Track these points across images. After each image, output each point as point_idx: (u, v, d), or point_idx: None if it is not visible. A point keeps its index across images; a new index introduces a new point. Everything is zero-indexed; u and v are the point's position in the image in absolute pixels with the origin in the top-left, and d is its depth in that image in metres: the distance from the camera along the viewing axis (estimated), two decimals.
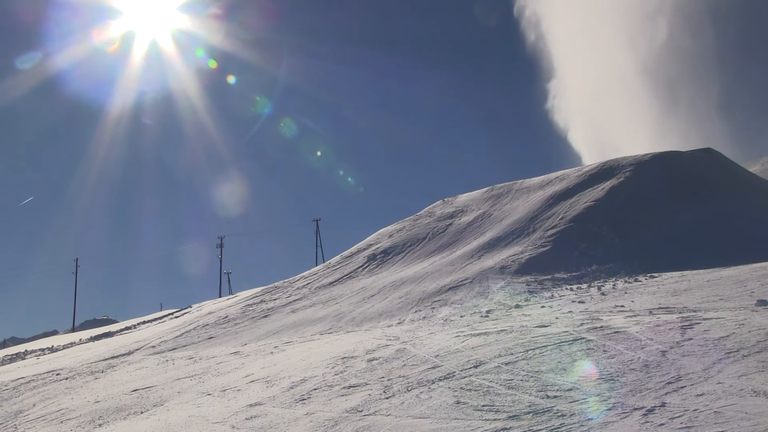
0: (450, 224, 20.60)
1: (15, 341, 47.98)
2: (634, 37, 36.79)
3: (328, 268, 21.19)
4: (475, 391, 4.95)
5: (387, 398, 5.18)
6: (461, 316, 10.05)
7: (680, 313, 7.13)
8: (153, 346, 15.35)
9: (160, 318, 26.51)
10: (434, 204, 24.00)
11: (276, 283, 21.62)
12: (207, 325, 17.09)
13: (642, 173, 18.54)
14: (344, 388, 5.82)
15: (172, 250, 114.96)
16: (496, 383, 5.06)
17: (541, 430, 3.94)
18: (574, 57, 39.26)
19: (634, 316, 7.26)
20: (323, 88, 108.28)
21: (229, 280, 67.75)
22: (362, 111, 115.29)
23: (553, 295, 11.04)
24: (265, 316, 16.28)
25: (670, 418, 3.82)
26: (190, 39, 62.97)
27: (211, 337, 15.07)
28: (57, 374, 11.64)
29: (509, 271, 13.89)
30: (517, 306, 10.28)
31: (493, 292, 12.20)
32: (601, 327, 6.54)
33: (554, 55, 39.98)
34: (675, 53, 36.18)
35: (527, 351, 5.94)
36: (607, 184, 18.14)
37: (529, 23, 42.20)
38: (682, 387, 4.39)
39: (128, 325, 26.42)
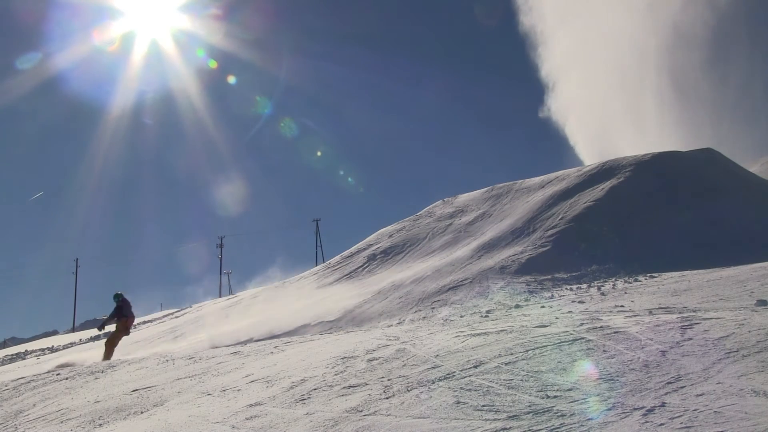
0: (450, 224, 20.60)
1: (15, 341, 47.98)
2: (636, 35, 36.71)
3: (328, 268, 21.18)
4: (475, 391, 4.95)
5: (387, 398, 5.18)
6: (461, 316, 10.05)
7: (680, 313, 7.13)
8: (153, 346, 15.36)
9: (160, 318, 26.51)
10: (434, 204, 24.01)
11: (276, 283, 21.63)
12: None
13: (642, 173, 18.55)
14: (344, 388, 5.82)
15: (172, 250, 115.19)
16: (496, 383, 5.07)
17: (541, 430, 3.94)
18: (572, 56, 39.20)
19: (634, 316, 7.26)
20: (323, 88, 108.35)
21: (229, 280, 67.78)
22: (362, 111, 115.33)
23: (553, 295, 11.04)
24: None
25: (670, 418, 3.83)
26: (191, 39, 63.04)
27: None
28: (57, 374, 11.64)
29: (509, 271, 13.90)
30: (517, 306, 10.28)
31: (493, 292, 12.20)
32: (601, 327, 6.54)
33: (552, 53, 39.99)
34: (680, 48, 36.04)
35: (527, 351, 5.94)
36: (607, 184, 18.15)
37: (528, 21, 42.18)
38: (682, 387, 4.39)
39: None
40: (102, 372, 11.04)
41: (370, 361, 6.84)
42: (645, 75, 36.88)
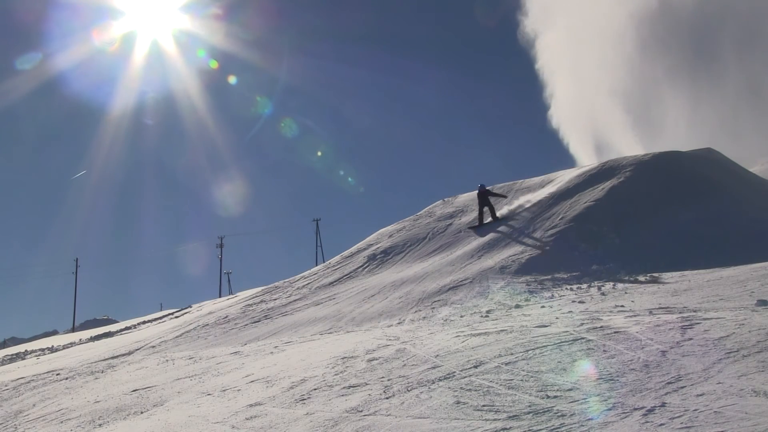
0: (450, 224, 20.59)
1: (15, 341, 47.98)
2: (632, 30, 36.55)
3: (328, 268, 21.17)
4: (475, 391, 4.95)
5: (387, 398, 5.18)
6: (461, 316, 10.05)
7: (680, 313, 7.13)
8: (153, 346, 15.35)
9: (160, 318, 26.49)
10: (434, 204, 23.98)
11: (276, 283, 21.61)
12: (207, 325, 17.08)
13: (642, 173, 18.53)
14: (344, 388, 5.82)
15: (172, 250, 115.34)
16: (496, 383, 5.06)
17: (541, 430, 3.94)
18: (569, 55, 39.09)
19: (634, 316, 7.26)
20: (323, 88, 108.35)
21: (229, 280, 67.81)
22: (362, 111, 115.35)
23: (553, 295, 11.03)
24: (266, 316, 16.28)
25: (670, 418, 3.83)
26: (191, 39, 62.88)
27: (211, 337, 15.07)
28: (57, 374, 11.64)
29: (509, 271, 13.88)
30: (517, 306, 10.28)
31: (493, 292, 12.19)
32: (601, 327, 6.54)
33: (550, 52, 39.91)
34: (673, 41, 35.84)
35: (527, 351, 5.94)
36: (607, 184, 18.13)
37: (527, 21, 42.12)
38: (682, 387, 4.39)
39: (128, 325, 26.41)
40: (102, 372, 11.03)
41: (370, 361, 6.84)
42: (641, 72, 36.75)
